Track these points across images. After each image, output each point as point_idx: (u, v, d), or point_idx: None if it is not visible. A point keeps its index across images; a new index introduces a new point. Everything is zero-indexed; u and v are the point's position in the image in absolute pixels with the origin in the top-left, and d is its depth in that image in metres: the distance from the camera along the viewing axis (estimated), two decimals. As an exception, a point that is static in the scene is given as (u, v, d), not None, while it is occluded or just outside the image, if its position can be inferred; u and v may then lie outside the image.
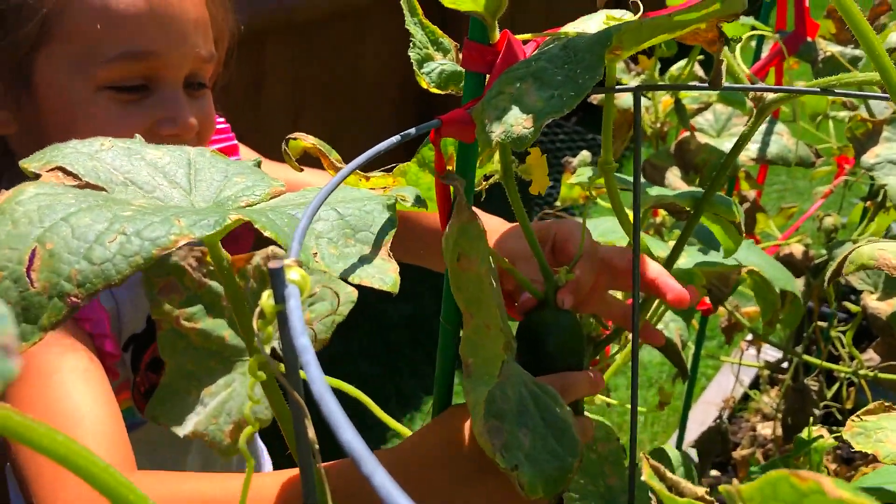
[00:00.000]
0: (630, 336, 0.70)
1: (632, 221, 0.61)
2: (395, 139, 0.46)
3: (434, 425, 0.58)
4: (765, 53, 1.25)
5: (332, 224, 0.44)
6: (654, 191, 0.70)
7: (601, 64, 0.44)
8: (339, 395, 0.59)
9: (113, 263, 0.36)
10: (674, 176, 1.23)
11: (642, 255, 0.61)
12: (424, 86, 0.54)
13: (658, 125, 1.29)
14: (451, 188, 0.51)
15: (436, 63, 0.54)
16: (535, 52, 0.48)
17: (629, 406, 0.65)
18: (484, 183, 0.60)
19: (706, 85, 0.52)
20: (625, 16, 0.52)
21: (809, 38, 1.16)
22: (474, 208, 0.72)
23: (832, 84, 0.57)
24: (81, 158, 0.47)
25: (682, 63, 1.22)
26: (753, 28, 1.13)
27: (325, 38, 2.61)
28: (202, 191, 0.51)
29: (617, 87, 0.56)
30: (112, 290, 0.82)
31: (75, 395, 0.67)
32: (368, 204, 0.46)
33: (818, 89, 0.58)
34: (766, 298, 0.83)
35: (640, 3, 0.49)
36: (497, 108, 0.44)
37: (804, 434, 0.95)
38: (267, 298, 0.30)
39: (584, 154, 1.48)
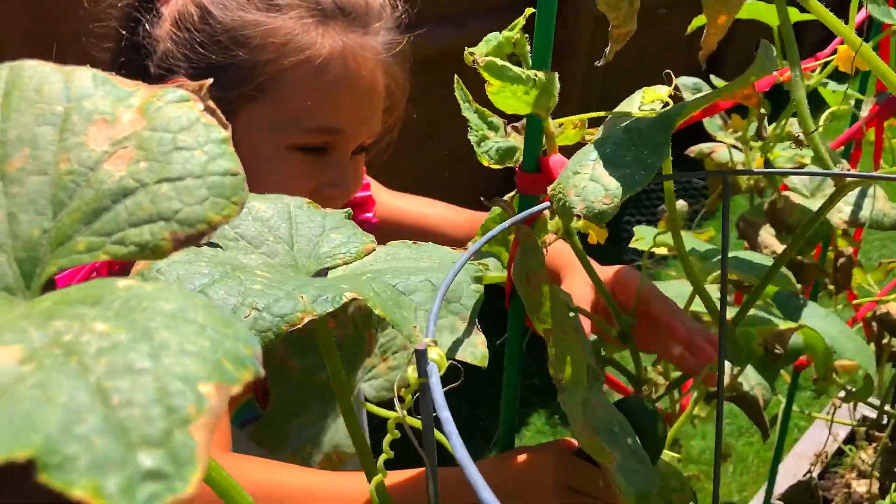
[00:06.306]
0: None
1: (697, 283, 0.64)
2: (509, 222, 0.51)
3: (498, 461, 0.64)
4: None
5: (429, 295, 0.49)
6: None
7: (667, 145, 0.48)
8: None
9: (249, 339, 0.40)
10: (767, 234, 1.23)
11: (681, 311, 0.64)
12: (486, 163, 0.59)
13: (753, 180, 1.29)
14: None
15: (491, 142, 0.60)
16: (599, 137, 0.52)
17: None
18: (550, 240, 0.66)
19: (789, 170, 0.55)
20: (661, 90, 0.56)
21: (911, 100, 1.15)
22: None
23: (910, 171, 0.59)
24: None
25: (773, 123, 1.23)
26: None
27: (432, 77, 2.64)
28: (302, 246, 0.55)
29: (708, 171, 0.60)
30: None
31: None
32: (459, 273, 0.50)
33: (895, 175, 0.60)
34: (817, 352, 0.85)
35: (672, 74, 0.52)
36: (576, 186, 0.47)
37: (886, 500, 0.94)
38: (412, 371, 0.36)
39: (681, 203, 1.49)
